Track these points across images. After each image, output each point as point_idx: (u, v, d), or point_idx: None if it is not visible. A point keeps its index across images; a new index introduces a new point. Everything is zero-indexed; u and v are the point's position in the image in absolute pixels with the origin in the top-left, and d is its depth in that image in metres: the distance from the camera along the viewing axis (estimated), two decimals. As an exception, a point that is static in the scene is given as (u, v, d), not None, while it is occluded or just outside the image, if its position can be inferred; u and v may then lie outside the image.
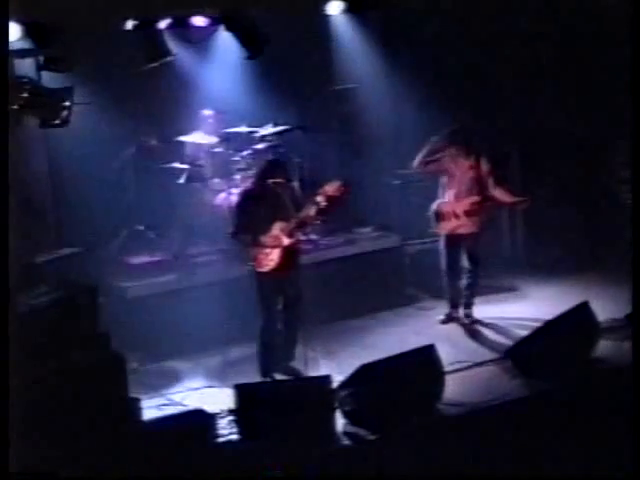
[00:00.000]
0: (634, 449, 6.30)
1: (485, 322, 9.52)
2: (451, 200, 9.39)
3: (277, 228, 8.06)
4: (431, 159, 9.37)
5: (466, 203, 9.32)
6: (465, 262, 9.51)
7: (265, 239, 8.06)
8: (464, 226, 9.36)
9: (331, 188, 7.87)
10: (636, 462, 6.27)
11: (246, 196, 8.44)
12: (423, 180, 10.32)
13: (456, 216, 9.36)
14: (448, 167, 9.40)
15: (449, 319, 9.65)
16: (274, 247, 8.06)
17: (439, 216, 9.45)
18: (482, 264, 9.61)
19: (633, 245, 7.42)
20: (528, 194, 9.62)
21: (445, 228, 9.45)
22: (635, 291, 7.31)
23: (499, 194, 9.35)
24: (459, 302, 9.65)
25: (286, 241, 8.06)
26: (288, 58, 10.28)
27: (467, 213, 9.33)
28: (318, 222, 8.50)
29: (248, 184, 9.15)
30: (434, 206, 9.48)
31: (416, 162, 9.44)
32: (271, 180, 8.11)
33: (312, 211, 7.97)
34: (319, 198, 7.89)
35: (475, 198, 9.30)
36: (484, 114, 10.61)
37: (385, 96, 11.02)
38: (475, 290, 9.63)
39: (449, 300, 9.68)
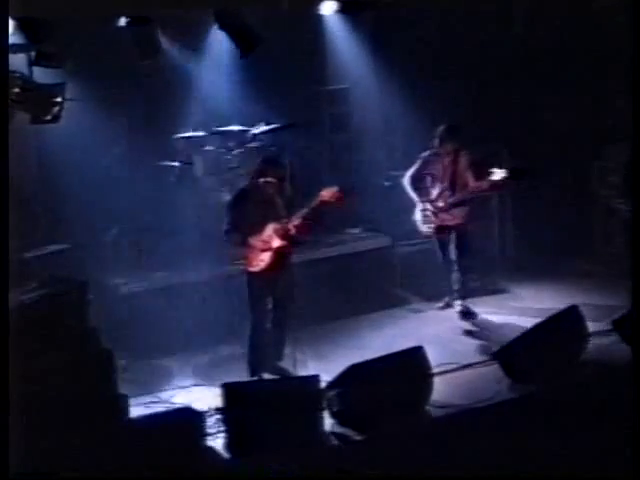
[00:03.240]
0: (623, 451, 6.34)
1: (475, 319, 9.64)
2: (435, 197, 9.56)
3: (270, 229, 8.06)
4: (424, 172, 9.57)
5: (448, 197, 9.49)
6: (452, 254, 9.67)
7: (257, 240, 8.06)
8: (450, 219, 9.54)
9: (328, 194, 7.87)
10: (622, 464, 6.32)
11: (240, 195, 8.42)
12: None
13: (442, 211, 9.53)
14: (433, 168, 9.58)
15: (447, 306, 9.88)
16: (265, 249, 8.06)
17: (425, 217, 9.59)
18: (471, 255, 9.73)
19: (632, 246, 7.44)
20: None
21: (433, 226, 9.59)
22: (635, 291, 7.32)
23: (476, 185, 9.45)
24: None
25: (277, 243, 8.06)
26: (280, 57, 10.25)
27: (451, 206, 9.50)
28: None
29: (241, 183, 9.15)
30: (418, 210, 9.62)
31: (407, 178, 9.61)
32: (262, 179, 8.11)
33: (306, 216, 7.94)
34: (315, 204, 7.87)
35: (456, 191, 9.48)
36: (475, 114, 10.63)
37: (377, 97, 11.02)
38: (467, 282, 9.78)
39: (449, 290, 9.85)
